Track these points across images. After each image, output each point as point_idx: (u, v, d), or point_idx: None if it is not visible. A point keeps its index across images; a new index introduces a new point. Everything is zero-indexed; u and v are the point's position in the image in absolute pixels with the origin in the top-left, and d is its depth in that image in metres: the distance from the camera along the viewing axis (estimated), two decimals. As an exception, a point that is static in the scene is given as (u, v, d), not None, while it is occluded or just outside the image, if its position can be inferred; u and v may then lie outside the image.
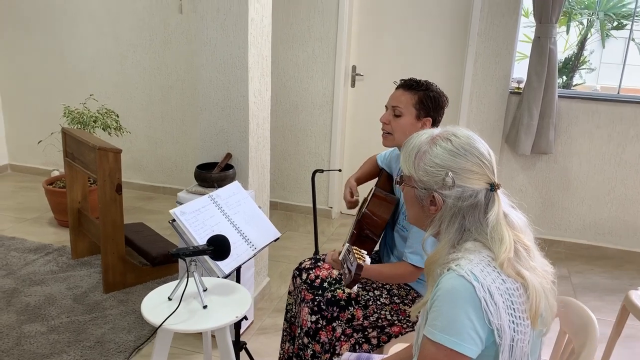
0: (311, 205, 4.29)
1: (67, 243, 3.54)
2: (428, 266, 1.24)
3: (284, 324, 2.21)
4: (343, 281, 1.55)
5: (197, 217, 1.85)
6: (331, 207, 4.28)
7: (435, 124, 1.94)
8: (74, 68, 4.60)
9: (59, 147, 4.31)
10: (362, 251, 1.56)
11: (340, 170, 3.03)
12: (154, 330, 2.65)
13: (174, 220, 1.80)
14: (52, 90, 4.71)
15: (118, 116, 4.00)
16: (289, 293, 2.18)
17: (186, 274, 1.56)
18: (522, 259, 1.17)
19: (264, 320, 2.86)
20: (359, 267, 1.48)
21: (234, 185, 2.15)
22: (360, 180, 2.36)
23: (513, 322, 1.09)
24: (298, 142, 4.24)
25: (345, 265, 1.59)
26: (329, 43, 3.99)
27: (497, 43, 3.68)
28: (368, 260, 1.52)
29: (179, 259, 1.52)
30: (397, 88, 1.99)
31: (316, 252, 2.89)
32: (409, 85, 1.94)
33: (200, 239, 1.76)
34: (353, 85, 4.12)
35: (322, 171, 2.90)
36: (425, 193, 1.23)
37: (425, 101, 1.91)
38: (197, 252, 1.55)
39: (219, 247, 1.58)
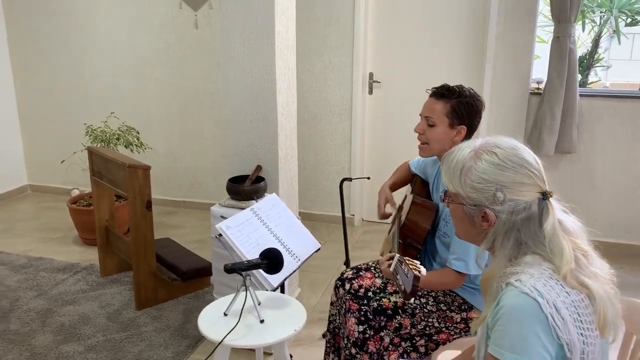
0: (333, 213, 4.32)
1: (94, 261, 3.55)
2: (484, 282, 1.22)
3: (327, 335, 2.20)
4: (399, 293, 1.54)
5: (242, 230, 1.86)
6: (353, 215, 4.27)
7: (471, 129, 1.94)
8: (93, 86, 4.63)
9: (81, 166, 4.34)
10: (415, 261, 1.56)
11: (368, 178, 3.03)
12: (193, 346, 2.66)
13: (220, 235, 1.81)
14: (71, 109, 4.74)
15: (139, 132, 4.02)
16: (332, 304, 2.17)
17: (241, 289, 1.56)
18: (582, 267, 1.15)
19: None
20: (416, 278, 1.47)
21: (272, 198, 2.15)
22: (394, 187, 2.35)
23: (582, 334, 1.08)
24: (318, 151, 4.25)
25: (398, 277, 1.59)
26: (346, 51, 4.01)
27: (515, 45, 3.68)
28: (424, 270, 1.51)
29: (234, 273, 1.51)
30: (430, 96, 1.98)
31: (347, 261, 2.89)
32: (440, 93, 1.93)
33: (247, 252, 1.77)
34: (371, 92, 4.13)
35: (350, 180, 2.91)
36: (476, 210, 1.20)
37: (458, 109, 1.90)
38: (252, 266, 1.55)
39: (272, 260, 1.58)
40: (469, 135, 1.95)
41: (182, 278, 3.16)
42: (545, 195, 1.18)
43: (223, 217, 1.97)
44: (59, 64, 4.67)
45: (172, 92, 4.46)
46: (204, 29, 4.25)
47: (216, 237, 1.80)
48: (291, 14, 2.75)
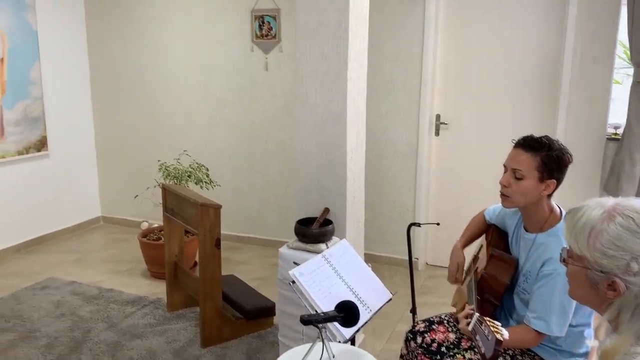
0: (395, 255, 4.26)
1: (161, 295, 3.64)
2: (605, 357, 1.12)
3: (395, 388, 2.13)
4: (479, 354, 1.48)
5: (315, 278, 1.85)
6: (417, 259, 4.19)
7: (559, 183, 1.87)
8: (166, 125, 4.84)
9: (152, 201, 4.51)
10: (496, 323, 1.49)
11: (438, 224, 2.97)
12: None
13: (292, 281, 1.81)
14: (145, 145, 4.96)
15: (208, 169, 4.15)
16: (401, 357, 2.11)
17: (317, 341, 1.54)
18: None
19: (362, 380, 2.78)
20: (498, 342, 1.41)
21: (343, 244, 2.14)
22: (468, 244, 2.28)
23: None
24: (381, 192, 4.22)
25: (477, 338, 1.52)
26: (413, 93, 4.01)
27: (591, 89, 3.57)
28: (506, 334, 1.44)
29: (309, 325, 1.50)
30: (515, 147, 1.91)
31: (413, 309, 2.82)
32: (529, 145, 1.86)
33: (320, 302, 1.75)
34: (437, 134, 4.09)
35: (418, 225, 2.86)
36: (603, 277, 1.11)
37: (549, 162, 1.83)
38: (329, 319, 1.53)
39: (349, 314, 1.56)
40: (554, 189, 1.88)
41: (247, 317, 3.17)
42: None
43: (296, 263, 1.97)
44: (136, 103, 4.92)
45: (240, 131, 4.59)
46: (273, 71, 4.38)
47: (289, 283, 1.80)
48: (363, 60, 2.79)
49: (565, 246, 1.21)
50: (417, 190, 4.10)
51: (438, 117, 4.07)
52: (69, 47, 4.82)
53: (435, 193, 4.18)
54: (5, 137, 4.29)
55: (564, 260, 1.21)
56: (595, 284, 1.13)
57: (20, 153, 4.43)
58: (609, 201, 1.16)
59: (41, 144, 4.60)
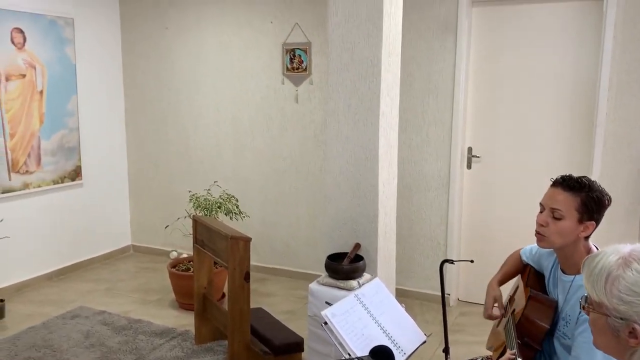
0: (426, 290, 4.16)
1: (189, 327, 3.62)
2: None
3: None
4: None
5: (347, 319, 1.81)
6: (449, 294, 4.09)
7: (597, 225, 1.80)
8: (197, 155, 4.90)
9: (182, 231, 4.54)
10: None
11: (472, 262, 2.88)
12: None
13: (325, 322, 1.77)
14: (176, 175, 5.02)
15: (238, 200, 4.16)
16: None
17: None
18: None
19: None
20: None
21: (376, 283, 2.10)
22: (503, 281, 2.21)
23: None
24: (412, 225, 4.16)
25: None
26: (444, 126, 3.97)
27: (628, 122, 3.48)
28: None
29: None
30: (553, 185, 1.86)
31: (446, 348, 2.73)
32: (569, 185, 1.80)
33: (353, 345, 1.71)
34: (469, 167, 4.03)
35: (452, 262, 2.77)
36: (623, 323, 1.09)
37: (589, 203, 1.77)
38: (363, 364, 1.49)
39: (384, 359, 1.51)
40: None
41: (275, 352, 3.12)
42: None
43: (328, 303, 1.93)
44: (168, 134, 5.00)
45: (269, 162, 4.61)
46: (303, 103, 4.41)
47: (322, 324, 1.76)
48: (395, 94, 2.78)
49: (585, 294, 1.19)
50: (449, 224, 4.03)
51: (470, 149, 4.02)
52: (105, 79, 4.96)
53: (468, 227, 4.10)
54: (42, 166, 4.40)
55: (584, 308, 1.19)
56: (616, 332, 1.11)
57: (55, 182, 4.53)
58: (626, 247, 1.15)
59: (75, 174, 4.70)
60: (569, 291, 1.84)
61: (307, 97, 4.39)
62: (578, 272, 1.82)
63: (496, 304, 2.09)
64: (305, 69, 4.38)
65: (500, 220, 3.95)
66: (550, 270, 1.99)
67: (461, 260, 2.63)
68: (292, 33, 4.37)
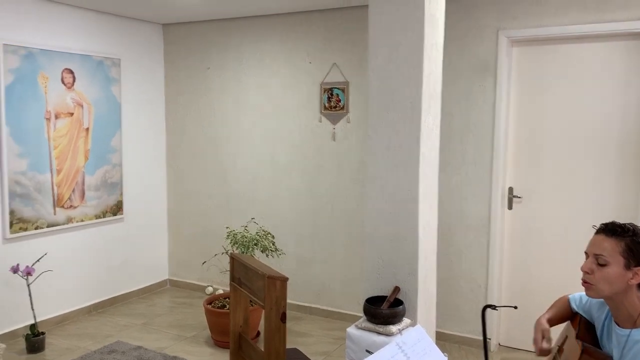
0: (465, 334, 4.04)
1: (224, 366, 3.59)
2: None
3: None
4: None
5: (389, 369, 1.75)
6: (489, 339, 3.95)
7: None
8: (234, 191, 4.96)
9: (219, 267, 4.56)
10: None
11: (515, 308, 2.79)
12: None
13: (366, 373, 1.72)
14: (213, 211, 5.08)
15: (274, 237, 4.16)
16: None
17: None
18: None
19: None
20: None
21: (418, 331, 2.04)
22: (552, 322, 2.13)
23: None
24: (451, 267, 4.07)
25: None
26: (484, 165, 3.92)
27: (679, 164, 3.36)
28: None
29: None
30: (597, 233, 1.81)
31: (489, 398, 2.62)
32: (612, 230, 1.76)
33: (395, 397, 1.65)
34: (510, 207, 3.94)
35: (495, 307, 2.69)
36: None
37: (635, 248, 1.71)
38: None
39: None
40: None
41: (310, 396, 3.06)
42: None
43: (369, 352, 1.88)
44: (207, 171, 5.09)
45: (305, 199, 4.62)
46: (340, 141, 4.43)
47: (362, 374, 1.71)
48: (436, 136, 2.76)
49: None
50: (489, 266, 3.92)
51: (511, 190, 3.94)
52: (148, 117, 5.11)
53: (509, 270, 3.98)
54: (85, 201, 4.52)
55: None
56: None
57: (97, 217, 4.64)
58: None
59: (117, 208, 4.81)
60: (624, 347, 1.75)
61: (344, 136, 4.41)
62: (634, 326, 1.74)
63: (545, 339, 2.01)
64: (343, 107, 4.42)
65: (544, 263, 3.83)
66: (603, 323, 1.90)
67: (504, 306, 2.53)
68: (330, 73, 4.43)
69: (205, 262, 4.54)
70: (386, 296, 2.67)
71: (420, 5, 2.58)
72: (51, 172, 4.25)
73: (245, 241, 3.97)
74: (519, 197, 3.92)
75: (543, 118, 3.79)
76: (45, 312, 4.25)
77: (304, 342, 4.06)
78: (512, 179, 3.94)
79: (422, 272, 2.71)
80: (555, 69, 3.73)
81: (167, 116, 5.28)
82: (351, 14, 4.32)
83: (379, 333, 2.50)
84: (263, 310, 2.98)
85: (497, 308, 2.72)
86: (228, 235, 4.06)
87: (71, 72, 4.36)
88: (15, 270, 3.80)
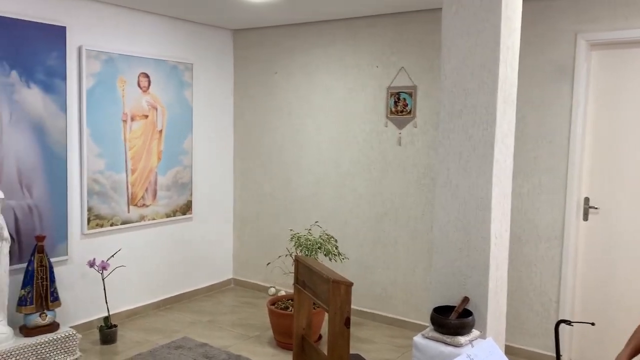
0: (533, 349, 3.87)
1: (286, 367, 3.62)
2: None
3: None
4: None
5: (460, 382, 1.70)
6: (561, 355, 3.76)
7: None
8: (298, 194, 5.00)
9: (283, 269, 4.61)
10: None
11: (593, 324, 2.65)
12: None
13: (437, 384, 1.67)
14: (278, 214, 5.14)
15: (337, 241, 4.16)
16: None
17: None
18: None
19: None
20: None
21: (489, 344, 1.97)
22: (632, 356, 1.99)
23: None
24: (521, 278, 3.92)
25: None
26: (558, 174, 3.75)
27: None
28: None
29: None
30: None
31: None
32: None
33: (467, 411, 1.60)
34: (586, 218, 3.75)
35: (569, 323, 2.58)
36: None
37: None
38: None
39: None
40: None
41: (372, 403, 3.02)
42: None
43: (439, 362, 1.83)
44: (273, 173, 5.16)
45: (369, 203, 4.59)
46: (406, 146, 4.37)
47: (433, 385, 1.67)
48: (510, 142, 2.67)
49: None
50: (562, 279, 3.75)
51: (587, 200, 3.75)
52: (217, 120, 5.25)
53: (584, 284, 3.79)
54: (157, 200, 4.70)
55: None
56: None
57: (168, 216, 4.80)
58: None
59: (187, 208, 4.96)
60: None
61: (410, 140, 4.35)
62: None
63: None
64: (410, 112, 4.36)
65: (623, 280, 3.61)
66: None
67: (580, 322, 2.41)
68: (398, 77, 4.39)
69: (269, 263, 4.60)
70: (453, 306, 2.60)
71: (496, 8, 2.50)
72: (126, 172, 4.44)
73: (309, 244, 3.99)
74: (596, 208, 3.72)
75: (623, 125, 3.59)
76: (117, 306, 4.44)
77: (366, 348, 4.03)
78: (588, 188, 3.75)
79: (492, 283, 2.62)
80: (638, 74, 3.52)
81: (235, 119, 5.40)
82: (419, 17, 4.26)
83: (446, 343, 2.44)
84: (326, 314, 2.97)
85: (572, 323, 2.59)
86: (292, 238, 4.10)
87: (147, 76, 4.55)
88: (91, 264, 3.99)
